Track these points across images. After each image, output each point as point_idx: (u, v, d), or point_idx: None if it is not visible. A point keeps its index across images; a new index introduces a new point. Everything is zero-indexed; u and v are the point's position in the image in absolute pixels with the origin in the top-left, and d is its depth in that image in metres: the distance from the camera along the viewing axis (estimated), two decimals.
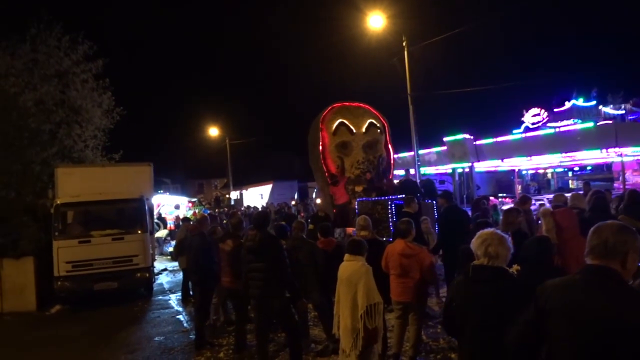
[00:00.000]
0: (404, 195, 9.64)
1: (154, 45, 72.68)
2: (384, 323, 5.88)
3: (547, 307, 2.37)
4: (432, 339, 6.89)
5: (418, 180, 16.68)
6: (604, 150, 16.17)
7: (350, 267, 4.91)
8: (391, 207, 9.80)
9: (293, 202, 21.50)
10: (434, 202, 10.67)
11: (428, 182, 13.43)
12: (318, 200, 22.29)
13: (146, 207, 11.72)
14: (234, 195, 40.79)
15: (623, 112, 24.06)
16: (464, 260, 4.88)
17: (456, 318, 3.14)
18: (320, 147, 12.23)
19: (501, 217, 6.98)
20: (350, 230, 10.64)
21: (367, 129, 12.33)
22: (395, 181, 13.25)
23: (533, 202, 16.47)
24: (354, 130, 12.27)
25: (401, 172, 15.90)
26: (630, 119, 23.67)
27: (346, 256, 5.01)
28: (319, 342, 6.99)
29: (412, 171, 17.96)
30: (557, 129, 21.17)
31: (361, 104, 13.13)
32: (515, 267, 3.18)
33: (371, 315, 4.72)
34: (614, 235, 2.34)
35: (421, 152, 20.89)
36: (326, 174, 12.18)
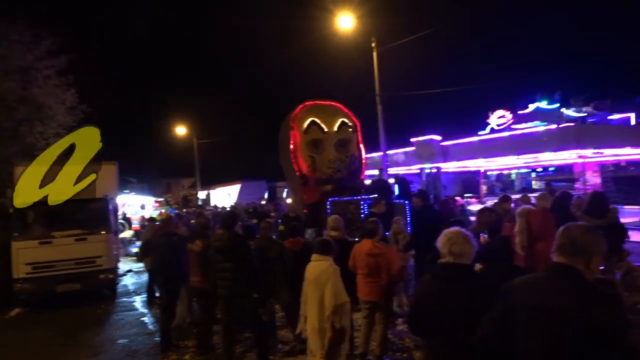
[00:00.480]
0: (376, 195, 9.70)
1: (120, 42, 71.36)
2: (352, 323, 5.90)
3: (513, 304, 2.42)
4: (399, 337, 6.95)
5: (392, 180, 16.77)
6: (565, 152, 16.60)
7: (318, 267, 4.91)
8: (363, 206, 9.81)
9: (263, 202, 21.32)
10: (406, 202, 10.75)
11: (402, 182, 13.39)
12: (289, 200, 22.24)
13: (110, 207, 11.48)
14: (201, 195, 40.35)
15: (584, 114, 24.78)
16: (432, 260, 4.95)
17: (422, 316, 3.18)
18: (292, 146, 12.12)
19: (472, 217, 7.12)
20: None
21: (339, 127, 12.26)
22: (368, 181, 13.25)
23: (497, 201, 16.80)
24: (326, 129, 12.18)
25: (375, 172, 15.97)
26: (591, 121, 24.39)
27: (314, 256, 5.01)
28: (286, 342, 6.96)
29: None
30: (522, 131, 21.63)
31: (333, 103, 13.07)
32: (478, 266, 3.23)
33: (339, 315, 4.73)
34: (582, 235, 2.41)
35: (389, 152, 21.07)
36: (297, 173, 12.06)
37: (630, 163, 21.29)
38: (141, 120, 74.85)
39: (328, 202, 11.08)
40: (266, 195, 24.64)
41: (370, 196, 10.03)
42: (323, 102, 12.94)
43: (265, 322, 6.31)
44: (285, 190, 26.39)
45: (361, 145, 12.89)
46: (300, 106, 12.63)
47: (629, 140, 17.17)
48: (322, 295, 4.78)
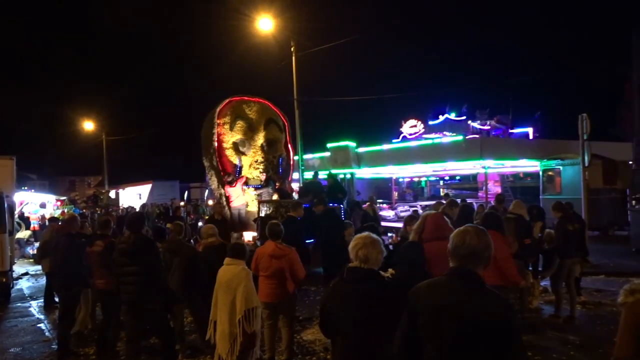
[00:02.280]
0: (310, 198, 9.54)
1: (26, 29, 66.58)
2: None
3: (417, 308, 2.51)
4: (308, 341, 6.99)
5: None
6: (471, 162, 17.53)
7: (230, 271, 4.84)
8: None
9: (182, 203, 20.56)
10: (340, 204, 10.70)
11: (336, 186, 12.58)
12: (210, 202, 21.73)
13: (5, 205, 10.66)
14: (110, 194, 38.43)
15: (488, 127, 26.35)
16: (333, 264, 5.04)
17: (329, 318, 3.22)
18: (216, 144, 11.44)
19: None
20: (245, 238, 10.39)
21: (266, 125, 11.73)
22: (295, 185, 12.98)
23: (407, 208, 17.43)
24: (254, 127, 11.59)
25: (310, 173, 15.68)
26: (494, 134, 25.98)
27: (227, 260, 4.93)
28: (195, 348, 6.78)
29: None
30: (432, 140, 22.60)
31: (261, 99, 12.38)
32: (390, 271, 3.33)
33: (249, 319, 4.68)
34: (475, 238, 2.54)
35: (305, 156, 21.23)
36: (222, 173, 11.43)
37: (527, 174, 22.91)
38: (45, 113, 70.11)
39: (258, 203, 10.73)
40: (185, 196, 23.76)
41: (306, 199, 9.87)
42: (250, 98, 12.20)
43: (172, 328, 6.11)
44: (207, 191, 25.69)
45: (290, 146, 12.47)
46: (226, 101, 11.89)
47: (527, 153, 18.44)
48: (233, 299, 4.72)
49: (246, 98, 12.14)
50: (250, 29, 19.49)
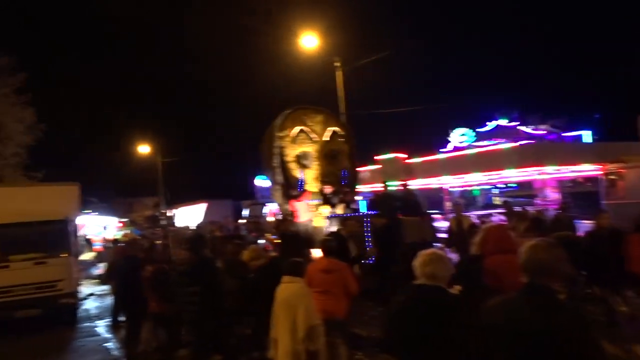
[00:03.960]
0: (376, 212, 9.20)
1: (81, 60, 69.93)
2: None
3: (490, 325, 2.43)
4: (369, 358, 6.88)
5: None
6: (525, 169, 17.02)
7: (289, 289, 4.84)
8: (367, 222, 9.21)
9: (242, 220, 20.72)
10: (419, 217, 10.36)
11: (409, 196, 12.11)
12: (270, 218, 21.91)
13: (71, 229, 11.15)
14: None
15: (542, 132, 25.54)
16: (398, 280, 4.94)
17: (394, 336, 3.17)
18: (278, 158, 11.13)
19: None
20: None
21: (329, 137, 11.35)
22: (359, 197, 12.54)
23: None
24: (316, 139, 11.25)
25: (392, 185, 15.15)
26: (549, 139, 25.14)
27: (285, 278, 4.93)
28: None
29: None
30: (482, 148, 22.11)
31: (323, 109, 12.06)
32: (457, 287, 3.25)
33: (312, 337, 4.66)
34: (545, 252, 2.45)
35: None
36: (285, 188, 11.09)
37: (587, 179, 22.01)
38: (102, 138, 73.14)
39: (327, 219, 10.32)
40: (247, 213, 23.76)
41: (374, 212, 9.44)
42: (312, 108, 11.87)
43: (234, 346, 6.17)
44: (265, 207, 25.86)
45: (354, 158, 11.93)
46: (287, 113, 11.56)
47: (586, 157, 17.73)
48: (294, 317, 4.71)
49: (308, 108, 11.76)
50: (295, 46, 19.76)
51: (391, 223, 9.03)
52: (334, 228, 10.04)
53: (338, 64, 19.74)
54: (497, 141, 24.21)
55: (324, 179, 11.16)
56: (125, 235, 19.68)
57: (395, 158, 22.19)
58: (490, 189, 28.75)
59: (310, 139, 11.26)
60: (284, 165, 11.16)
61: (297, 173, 11.15)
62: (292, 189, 11.08)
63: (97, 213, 31.63)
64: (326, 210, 11.02)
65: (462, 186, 27.04)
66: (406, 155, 22.32)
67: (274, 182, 11.46)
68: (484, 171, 18.82)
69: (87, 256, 18.97)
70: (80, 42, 69.98)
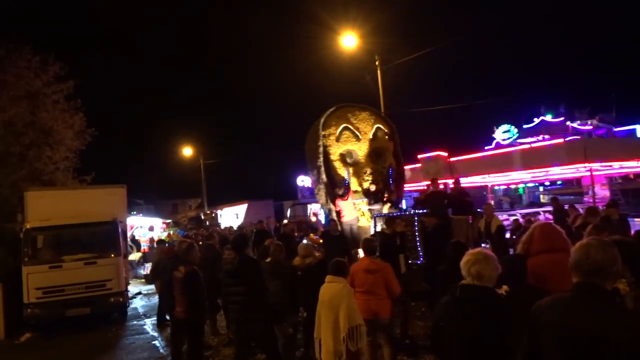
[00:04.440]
0: (425, 211, 8.90)
1: (127, 65, 72.13)
2: None
3: (541, 327, 2.37)
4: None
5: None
6: (574, 166, 16.52)
7: (332, 289, 4.85)
8: (417, 222, 8.98)
9: (285, 221, 20.90)
10: (469, 216, 10.10)
11: (460, 194, 11.71)
12: (314, 218, 21.97)
13: (119, 230, 11.48)
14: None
15: (590, 127, 24.74)
16: (443, 281, 4.84)
17: (442, 337, 3.12)
18: (322, 157, 10.95)
19: None
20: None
21: (374, 135, 11.10)
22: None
23: (506, 217, 16.65)
24: (360, 137, 11.02)
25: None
26: (597, 134, 24.33)
27: (328, 277, 4.94)
28: None
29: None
30: (530, 145, 21.59)
31: (367, 107, 11.85)
32: (504, 288, 3.17)
33: (353, 337, 4.65)
34: (599, 252, 2.36)
35: None
36: (330, 187, 10.90)
37: (638, 175, 21.16)
38: (147, 142, 75.26)
39: (373, 218, 10.10)
40: (288, 214, 23.92)
41: (424, 211, 9.16)
42: (356, 106, 11.68)
43: (277, 345, 6.20)
44: (310, 207, 25.94)
45: (400, 155, 11.66)
46: (331, 110, 11.42)
47: (635, 153, 17.05)
48: (336, 317, 4.71)
49: (351, 105, 11.57)
50: (334, 45, 19.77)
51: (442, 222, 8.74)
52: (379, 228, 9.83)
53: (377, 63, 19.63)
54: (542, 137, 23.62)
55: (370, 177, 10.89)
56: (169, 236, 20.17)
57: (438, 156, 21.87)
58: (536, 187, 28.05)
59: (355, 136, 11.05)
60: (328, 164, 11.00)
61: (342, 172, 10.97)
62: (336, 188, 10.90)
63: (143, 214, 32.55)
64: (372, 209, 10.79)
65: (507, 184, 26.48)
66: (447, 154, 21.98)
67: (318, 181, 11.27)
68: (529, 168, 18.36)
69: (134, 256, 19.52)
70: (127, 46, 72.12)
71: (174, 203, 58.18)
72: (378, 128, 11.26)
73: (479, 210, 11.37)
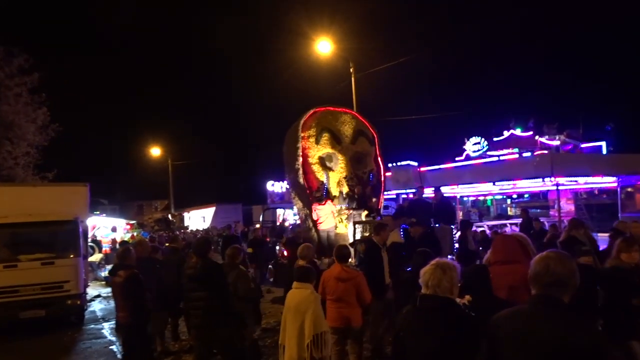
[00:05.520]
0: (412, 220, 8.66)
1: (99, 62, 70.81)
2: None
3: (499, 338, 2.41)
4: None
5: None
6: (541, 180, 16.89)
7: (299, 295, 4.84)
8: (401, 232, 8.75)
9: (257, 226, 20.67)
10: (451, 226, 9.97)
11: (444, 204, 11.67)
12: (287, 223, 21.76)
13: (80, 230, 11.22)
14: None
15: (558, 142, 25.34)
16: (406, 290, 4.89)
17: (403, 349, 3.14)
18: (300, 159, 10.75)
19: None
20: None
21: (355, 139, 11.02)
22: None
23: (474, 228, 16.89)
24: (341, 140, 10.90)
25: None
26: (565, 149, 24.93)
27: (295, 284, 4.93)
28: None
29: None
30: (498, 158, 22.00)
31: (348, 110, 11.79)
32: (467, 298, 3.20)
33: (318, 344, 4.65)
34: (558, 265, 2.42)
35: None
36: (308, 191, 10.69)
37: (603, 191, 21.79)
38: (113, 140, 73.87)
39: (351, 225, 9.92)
40: (261, 218, 23.83)
41: (408, 220, 8.95)
42: (337, 109, 11.53)
43: (242, 352, 6.15)
44: (278, 212, 25.75)
45: (380, 160, 11.56)
46: (310, 112, 11.21)
47: (602, 169, 17.53)
48: (301, 323, 4.70)
49: (332, 109, 11.42)
50: (309, 51, 19.86)
51: (428, 231, 8.61)
52: (359, 235, 9.79)
53: (352, 70, 19.78)
54: (511, 151, 24.10)
55: (349, 182, 10.77)
56: (132, 237, 19.83)
57: (408, 165, 22.12)
58: (504, 199, 28.58)
59: (335, 140, 10.91)
60: (306, 167, 10.82)
61: (321, 176, 10.81)
62: (314, 192, 10.72)
63: (106, 215, 31.91)
64: (352, 215, 10.59)
65: (476, 196, 26.91)
66: (417, 163, 22.25)
67: (295, 185, 11.14)
68: (497, 181, 18.70)
69: (95, 258, 19.12)
70: (95, 43, 70.80)
71: (139, 204, 57.24)
72: (359, 132, 11.16)
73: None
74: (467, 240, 9.84)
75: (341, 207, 10.78)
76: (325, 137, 10.93)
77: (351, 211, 10.69)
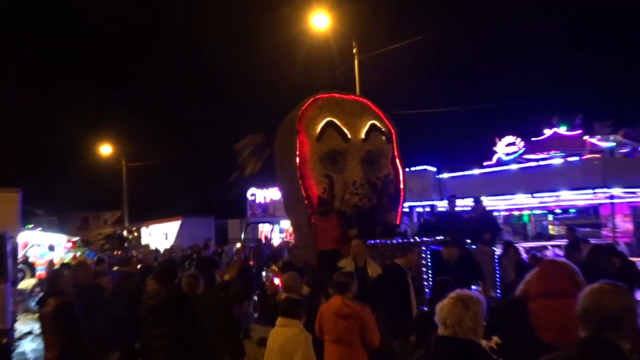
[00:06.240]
0: (442, 238, 8.38)
1: (35, 43, 70.63)
2: None
3: None
4: None
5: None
6: (591, 191, 16.97)
7: (284, 335, 4.84)
8: (428, 254, 8.54)
9: (238, 245, 20.47)
10: (492, 247, 9.80)
11: (487, 219, 11.32)
12: (276, 242, 21.66)
13: (8, 248, 11.18)
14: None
15: (613, 144, 25.45)
16: (421, 328, 4.89)
17: None
18: (297, 159, 10.43)
19: None
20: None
21: (367, 134, 10.75)
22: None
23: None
24: (349, 136, 10.59)
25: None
26: (621, 153, 25.04)
27: (279, 320, 4.93)
28: None
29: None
30: (537, 163, 22.09)
31: (358, 97, 11.63)
32: (495, 340, 3.20)
33: None
34: (613, 299, 2.42)
35: None
36: (305, 201, 10.36)
37: None
38: (51, 135, 73.50)
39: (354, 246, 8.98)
40: (242, 236, 23.86)
41: (436, 239, 8.65)
42: (344, 96, 11.31)
43: None
44: (261, 227, 25.71)
45: (398, 162, 11.29)
46: (311, 99, 10.93)
47: None
48: None
49: (337, 95, 11.16)
50: (302, 27, 19.89)
51: (464, 254, 8.25)
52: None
53: (355, 51, 19.81)
54: (553, 154, 24.20)
55: (359, 191, 10.45)
56: (75, 258, 19.75)
57: (424, 171, 22.18)
58: (544, 215, 28.65)
59: (342, 135, 10.62)
60: (303, 171, 10.51)
61: (323, 181, 10.51)
62: (315, 203, 10.39)
63: (42, 229, 31.76)
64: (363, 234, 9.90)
65: (509, 210, 26.99)
66: (436, 169, 22.32)
67: (289, 192, 10.92)
68: (535, 192, 18.77)
69: (26, 284, 19.01)
70: (41, 23, 70.74)
71: (84, 216, 57.03)
72: (373, 126, 10.88)
73: None
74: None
75: (348, 223, 10.31)
76: (329, 131, 10.61)
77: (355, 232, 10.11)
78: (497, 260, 9.57)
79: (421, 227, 11.13)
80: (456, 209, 12.33)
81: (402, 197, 11.16)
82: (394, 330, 6.70)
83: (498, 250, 10.28)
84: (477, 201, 11.87)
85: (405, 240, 9.21)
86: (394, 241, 9.08)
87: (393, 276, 7.10)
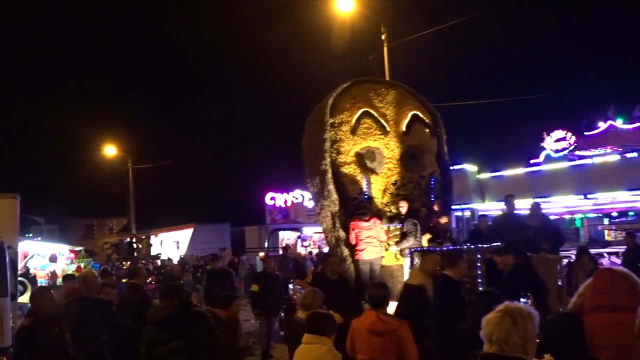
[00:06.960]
0: (499, 244, 8.29)
1: (37, 44, 71.77)
2: None
3: None
4: None
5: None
6: None
7: (312, 353, 4.82)
8: (480, 262, 8.45)
9: (262, 254, 20.42)
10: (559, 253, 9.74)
11: (547, 226, 11.04)
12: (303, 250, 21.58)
13: (7, 259, 11.31)
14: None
15: None
16: (464, 346, 4.84)
17: None
18: (329, 157, 10.37)
19: None
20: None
21: (408, 126, 10.58)
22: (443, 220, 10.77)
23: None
24: (388, 128, 10.51)
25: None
26: None
27: (306, 337, 4.91)
28: None
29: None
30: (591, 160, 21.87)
31: (398, 83, 11.43)
32: (547, 358, 3.16)
33: None
34: None
35: None
36: (340, 204, 10.26)
37: None
38: (52, 137, 74.46)
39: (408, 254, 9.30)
40: (266, 245, 23.87)
41: (492, 245, 8.55)
42: (382, 81, 11.31)
43: None
44: (281, 235, 25.78)
45: (446, 158, 11.13)
46: (344, 85, 10.87)
47: None
48: None
49: (375, 81, 11.10)
50: (325, 10, 19.93)
51: (521, 262, 8.07)
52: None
53: (384, 37, 19.79)
54: (609, 150, 23.92)
55: (402, 190, 10.43)
56: (78, 270, 19.97)
57: (463, 170, 22.08)
58: (599, 219, 28.36)
59: (380, 128, 10.53)
60: (338, 169, 10.51)
61: (360, 181, 10.53)
62: (350, 205, 10.37)
63: (42, 239, 32.15)
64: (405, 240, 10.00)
65: (559, 213, 26.76)
66: (477, 168, 22.19)
67: (321, 195, 10.64)
68: (589, 193, 18.59)
69: (26, 298, 19.24)
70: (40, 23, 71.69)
71: (87, 224, 57.70)
72: (415, 116, 10.71)
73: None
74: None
75: (389, 227, 10.30)
76: (366, 124, 10.51)
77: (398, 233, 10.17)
78: (566, 269, 9.46)
79: (472, 233, 10.92)
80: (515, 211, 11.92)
81: (451, 195, 11.04)
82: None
83: (570, 258, 10.18)
84: (536, 206, 11.60)
85: (457, 247, 9.13)
86: (443, 248, 8.83)
87: (446, 288, 6.88)
